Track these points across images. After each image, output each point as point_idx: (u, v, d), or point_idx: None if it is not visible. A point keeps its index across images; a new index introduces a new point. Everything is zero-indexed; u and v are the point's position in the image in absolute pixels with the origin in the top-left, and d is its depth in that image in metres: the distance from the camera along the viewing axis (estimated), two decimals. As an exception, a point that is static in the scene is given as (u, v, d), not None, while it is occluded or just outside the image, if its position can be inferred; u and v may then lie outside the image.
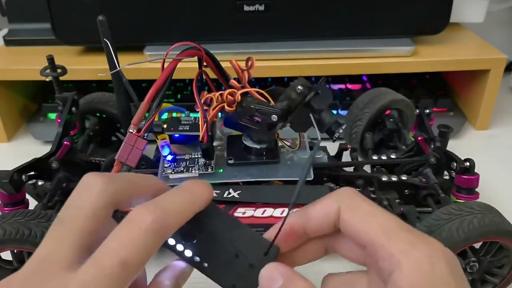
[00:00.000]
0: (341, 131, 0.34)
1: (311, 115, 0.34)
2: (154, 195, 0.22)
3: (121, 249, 0.19)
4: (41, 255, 0.20)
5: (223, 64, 0.35)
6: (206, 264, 0.24)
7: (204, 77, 0.35)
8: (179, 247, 0.24)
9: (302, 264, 0.25)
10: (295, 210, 0.24)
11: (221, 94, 0.35)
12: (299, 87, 0.34)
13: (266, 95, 0.35)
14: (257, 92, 0.35)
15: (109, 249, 0.19)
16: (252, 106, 0.34)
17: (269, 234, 0.24)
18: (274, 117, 0.34)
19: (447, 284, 0.19)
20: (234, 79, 0.36)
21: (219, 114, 0.37)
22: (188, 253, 0.24)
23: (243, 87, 0.35)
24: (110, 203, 0.21)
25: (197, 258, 0.24)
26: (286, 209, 0.23)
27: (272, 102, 0.35)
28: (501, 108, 0.63)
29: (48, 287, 0.18)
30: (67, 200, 0.21)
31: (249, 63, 0.35)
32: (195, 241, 0.24)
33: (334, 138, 0.34)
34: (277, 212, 0.36)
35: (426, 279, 0.19)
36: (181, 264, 0.25)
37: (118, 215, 0.26)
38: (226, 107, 0.34)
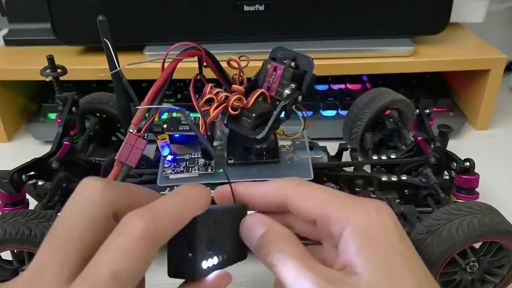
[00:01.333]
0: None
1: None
2: (150, 200, 0.21)
3: (113, 262, 0.18)
4: (36, 269, 0.19)
5: (223, 64, 0.35)
6: (224, 256, 0.24)
7: (200, 77, 0.35)
8: (212, 262, 0.23)
9: None
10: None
11: (226, 96, 0.34)
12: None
13: (266, 93, 0.35)
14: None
15: (99, 263, 0.18)
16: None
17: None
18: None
19: (389, 231, 0.22)
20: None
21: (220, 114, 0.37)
22: (209, 261, 0.23)
23: (246, 90, 0.35)
24: (109, 215, 0.20)
25: (210, 263, 0.23)
26: None
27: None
28: (501, 108, 0.63)
29: None
30: (64, 206, 0.20)
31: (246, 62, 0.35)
32: (214, 249, 0.23)
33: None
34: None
35: (368, 232, 0.22)
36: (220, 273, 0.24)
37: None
38: (231, 111, 0.34)
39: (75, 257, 0.18)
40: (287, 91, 0.34)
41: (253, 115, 0.34)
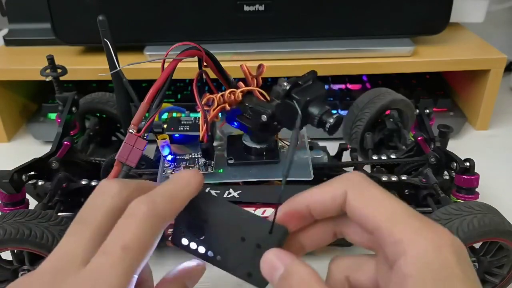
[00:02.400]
0: (331, 120, 0.31)
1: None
2: None
3: (122, 237, 0.21)
4: (60, 253, 0.21)
5: (223, 64, 0.35)
6: (219, 257, 0.25)
7: (204, 77, 0.35)
8: (193, 246, 0.25)
9: (312, 249, 0.25)
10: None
11: (222, 95, 0.35)
12: (284, 83, 0.32)
13: (266, 94, 0.35)
14: (258, 92, 0.35)
15: (112, 239, 0.21)
16: (246, 104, 0.34)
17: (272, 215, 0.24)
18: (264, 117, 0.34)
19: (453, 274, 0.19)
20: (241, 79, 0.36)
21: (220, 114, 0.37)
22: (202, 249, 0.25)
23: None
24: (124, 206, 0.22)
25: (211, 253, 0.25)
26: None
27: (267, 97, 0.35)
28: (501, 108, 0.63)
29: (66, 284, 0.20)
30: (85, 202, 0.23)
31: (260, 69, 0.35)
32: (204, 236, 0.25)
33: (326, 129, 0.32)
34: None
35: (431, 267, 0.19)
36: (189, 265, 0.26)
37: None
38: (227, 107, 0.34)
39: (93, 242, 0.21)
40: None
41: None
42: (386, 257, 0.21)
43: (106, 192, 0.23)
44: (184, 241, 0.25)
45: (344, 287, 0.23)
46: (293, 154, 0.22)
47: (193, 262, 0.26)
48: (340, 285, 0.23)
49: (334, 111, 0.59)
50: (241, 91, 0.34)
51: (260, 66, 0.35)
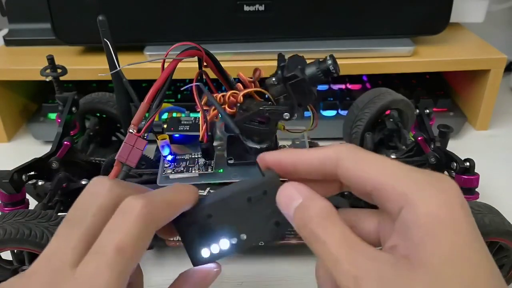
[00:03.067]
0: (329, 62, 0.32)
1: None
2: None
3: (116, 236, 0.20)
4: (48, 254, 0.21)
5: (223, 64, 0.35)
6: (244, 236, 0.24)
7: (204, 77, 0.35)
8: (215, 249, 0.24)
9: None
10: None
11: (223, 95, 0.34)
12: (273, 78, 0.34)
13: (267, 93, 0.35)
14: (258, 91, 0.35)
15: (105, 240, 0.20)
16: (261, 108, 0.34)
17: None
18: (287, 115, 0.34)
19: (459, 222, 0.19)
20: (238, 80, 0.36)
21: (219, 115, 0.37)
22: (225, 244, 0.24)
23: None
24: (115, 205, 0.22)
25: (234, 239, 0.24)
26: None
27: (273, 101, 0.35)
28: (501, 108, 0.63)
29: (56, 285, 0.19)
30: (75, 201, 0.22)
31: (257, 73, 0.35)
32: (217, 232, 0.24)
33: (332, 69, 0.33)
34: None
35: (435, 215, 0.18)
36: (206, 266, 0.25)
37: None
38: (228, 109, 0.34)
39: (84, 242, 0.20)
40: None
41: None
42: (388, 212, 0.21)
43: (96, 190, 0.22)
44: (205, 253, 0.24)
45: None
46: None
47: (211, 265, 0.25)
48: None
49: (333, 111, 0.60)
50: (243, 94, 0.34)
51: (255, 70, 0.35)
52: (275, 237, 0.24)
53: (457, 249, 0.18)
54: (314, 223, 0.20)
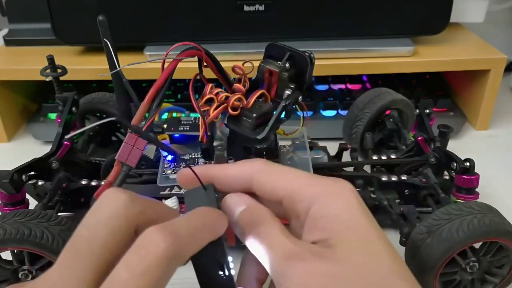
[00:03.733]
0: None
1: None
2: (170, 217, 0.21)
3: (131, 279, 0.17)
4: (50, 284, 0.18)
5: (223, 64, 0.35)
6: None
7: (200, 77, 0.35)
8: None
9: None
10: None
11: (226, 96, 0.34)
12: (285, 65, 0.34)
13: (267, 94, 0.35)
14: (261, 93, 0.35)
15: (118, 279, 0.17)
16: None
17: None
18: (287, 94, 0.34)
19: (355, 210, 0.22)
20: (234, 79, 0.36)
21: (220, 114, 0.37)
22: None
23: (247, 91, 0.35)
24: (132, 229, 0.19)
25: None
26: None
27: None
28: (501, 108, 0.63)
29: None
30: (84, 218, 0.19)
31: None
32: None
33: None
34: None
35: (336, 208, 0.22)
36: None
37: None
38: (231, 111, 0.34)
39: (94, 271, 0.18)
40: (287, 92, 0.34)
41: (254, 115, 0.33)
42: (299, 216, 0.23)
43: (109, 208, 0.19)
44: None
45: None
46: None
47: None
48: None
49: (333, 111, 0.60)
50: (254, 99, 0.34)
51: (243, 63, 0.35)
52: None
53: (359, 237, 0.21)
54: (257, 222, 0.23)
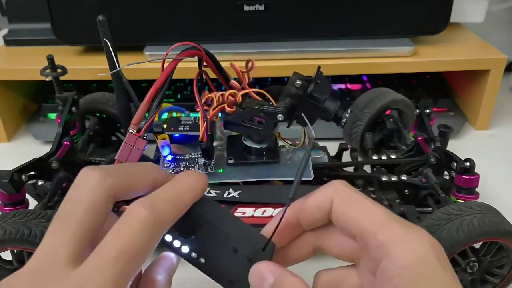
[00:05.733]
0: (347, 115, 0.34)
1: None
2: (153, 185, 0.23)
3: (120, 242, 0.20)
4: (43, 253, 0.20)
5: (223, 64, 0.35)
6: (203, 260, 0.24)
7: (204, 77, 0.35)
8: (176, 244, 0.25)
9: (292, 263, 0.26)
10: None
11: (222, 95, 0.35)
12: (298, 81, 0.34)
13: (267, 94, 0.35)
14: (257, 92, 0.35)
15: (109, 243, 0.20)
16: (256, 107, 0.34)
17: (267, 229, 0.24)
18: (280, 116, 0.34)
19: (434, 272, 0.20)
20: (234, 79, 0.36)
21: (219, 114, 0.37)
22: (185, 249, 0.25)
23: (243, 88, 0.35)
24: (108, 197, 0.21)
25: (194, 254, 0.24)
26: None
27: (273, 101, 0.35)
28: (501, 108, 0.63)
29: (52, 283, 0.19)
30: (66, 195, 0.22)
31: (249, 65, 0.35)
32: (193, 237, 0.24)
33: (343, 124, 0.35)
34: (277, 212, 0.36)
35: (413, 266, 0.20)
36: (170, 255, 0.26)
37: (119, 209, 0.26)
38: (227, 108, 0.34)
39: (80, 240, 0.20)
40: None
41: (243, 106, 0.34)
42: (370, 262, 0.22)
43: (85, 183, 0.21)
44: (168, 238, 0.25)
45: None
46: (298, 183, 0.23)
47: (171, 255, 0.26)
48: None
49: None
50: (242, 94, 0.34)
51: (248, 62, 0.35)
52: (223, 285, 0.25)
53: None
54: None
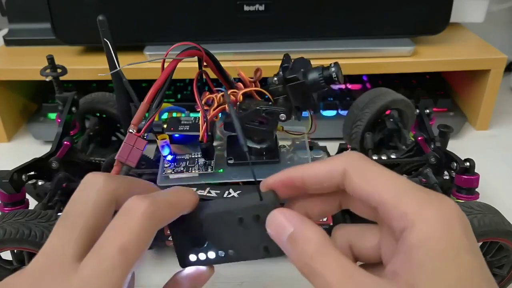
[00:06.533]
0: (333, 69, 0.33)
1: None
2: (147, 190, 0.24)
3: (119, 236, 0.20)
4: (47, 252, 0.21)
5: (223, 64, 0.35)
6: (231, 251, 0.24)
7: (204, 77, 0.35)
8: (202, 256, 0.25)
9: (317, 218, 0.25)
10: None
11: (222, 95, 0.35)
12: (274, 79, 0.34)
13: (267, 93, 0.35)
14: (258, 91, 0.35)
15: (108, 239, 0.20)
16: (258, 108, 0.34)
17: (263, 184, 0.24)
18: (283, 116, 0.34)
19: (460, 244, 0.19)
20: (235, 79, 0.36)
21: (220, 114, 0.37)
22: (212, 254, 0.25)
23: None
24: (111, 200, 0.22)
25: (221, 253, 0.25)
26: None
27: (272, 100, 0.35)
28: (501, 108, 0.63)
29: (55, 283, 0.19)
30: (70, 198, 0.22)
31: (257, 74, 0.35)
32: (206, 242, 0.25)
33: (335, 78, 0.33)
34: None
35: (438, 237, 0.19)
36: (200, 268, 0.26)
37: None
38: (228, 108, 0.34)
39: (83, 240, 0.21)
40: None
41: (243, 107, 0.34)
42: (391, 230, 0.20)
43: (91, 186, 0.22)
44: (192, 258, 0.25)
45: (348, 255, 0.23)
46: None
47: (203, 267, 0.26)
48: (344, 252, 0.21)
49: (334, 111, 0.60)
50: (242, 93, 0.34)
51: (257, 70, 0.35)
52: (265, 257, 0.24)
53: (460, 278, 0.18)
54: (309, 257, 0.20)
